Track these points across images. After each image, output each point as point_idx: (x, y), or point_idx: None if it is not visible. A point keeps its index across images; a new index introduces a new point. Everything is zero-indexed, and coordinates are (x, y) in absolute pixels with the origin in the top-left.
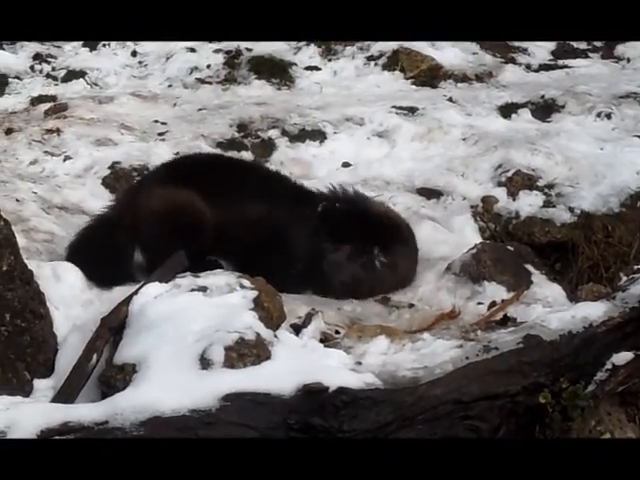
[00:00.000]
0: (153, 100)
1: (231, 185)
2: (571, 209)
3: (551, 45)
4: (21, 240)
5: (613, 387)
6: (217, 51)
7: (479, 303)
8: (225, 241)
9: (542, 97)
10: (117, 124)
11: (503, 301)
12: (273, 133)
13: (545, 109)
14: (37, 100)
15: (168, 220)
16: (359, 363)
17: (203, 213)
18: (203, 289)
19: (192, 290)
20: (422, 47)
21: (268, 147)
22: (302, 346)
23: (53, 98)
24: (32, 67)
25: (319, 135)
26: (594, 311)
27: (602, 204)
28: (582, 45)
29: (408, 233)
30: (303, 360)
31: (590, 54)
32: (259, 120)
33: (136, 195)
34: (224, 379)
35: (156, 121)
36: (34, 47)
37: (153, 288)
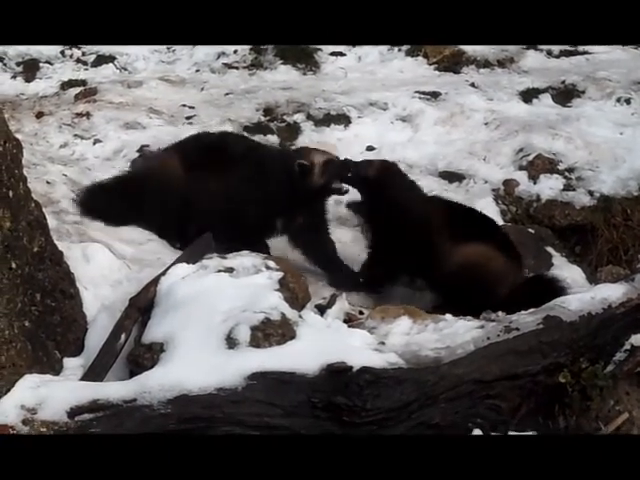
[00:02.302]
0: (181, 85)
1: (217, 155)
2: (591, 192)
3: None
4: (52, 222)
5: (632, 367)
6: None
7: None
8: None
9: (563, 82)
10: (146, 108)
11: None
12: (299, 117)
13: (566, 94)
14: (67, 84)
15: (149, 182)
16: (382, 343)
17: (175, 175)
18: (230, 270)
19: (219, 271)
20: None
21: (294, 131)
22: (326, 326)
23: (83, 82)
24: (62, 52)
25: (344, 119)
26: (613, 293)
27: (621, 188)
28: None
29: None
30: (327, 340)
31: None
32: (285, 104)
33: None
34: (250, 358)
35: (184, 105)
36: None
37: (181, 269)
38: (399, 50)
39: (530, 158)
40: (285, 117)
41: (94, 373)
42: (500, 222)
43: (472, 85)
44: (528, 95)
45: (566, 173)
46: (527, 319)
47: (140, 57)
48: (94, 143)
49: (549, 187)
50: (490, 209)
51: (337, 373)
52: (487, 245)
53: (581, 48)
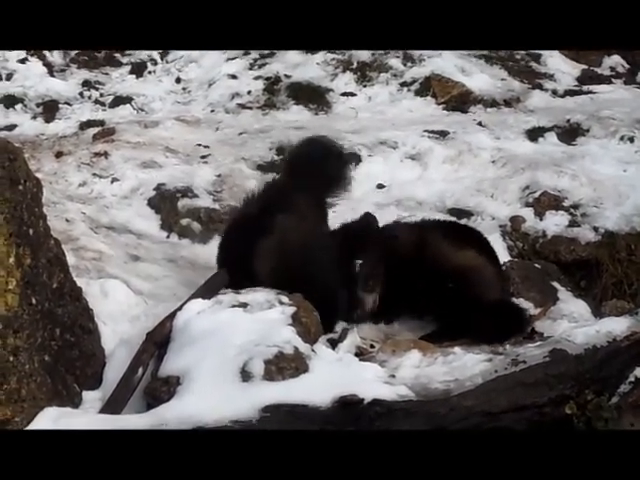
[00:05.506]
0: (196, 125)
1: None
2: (595, 228)
3: (576, 71)
4: (71, 258)
5: (636, 399)
6: (257, 78)
7: None
8: None
9: (568, 121)
10: (162, 147)
11: (531, 317)
12: None
13: (570, 133)
14: (86, 125)
15: None
16: (393, 376)
17: None
18: (244, 305)
19: (233, 306)
20: (453, 73)
21: None
22: (338, 360)
23: (101, 123)
24: (81, 93)
25: (354, 158)
26: (618, 326)
27: (625, 224)
28: (606, 72)
29: None
30: (339, 373)
31: (613, 80)
32: None
33: None
34: (264, 391)
35: (199, 144)
36: (83, 74)
37: (196, 304)
38: (408, 90)
39: (536, 195)
40: None
41: (112, 406)
42: (507, 257)
43: (479, 124)
44: (534, 134)
45: (571, 210)
46: (534, 352)
47: (156, 98)
48: (112, 182)
49: (555, 223)
50: (497, 245)
51: (349, 405)
52: (482, 254)
53: (585, 88)
